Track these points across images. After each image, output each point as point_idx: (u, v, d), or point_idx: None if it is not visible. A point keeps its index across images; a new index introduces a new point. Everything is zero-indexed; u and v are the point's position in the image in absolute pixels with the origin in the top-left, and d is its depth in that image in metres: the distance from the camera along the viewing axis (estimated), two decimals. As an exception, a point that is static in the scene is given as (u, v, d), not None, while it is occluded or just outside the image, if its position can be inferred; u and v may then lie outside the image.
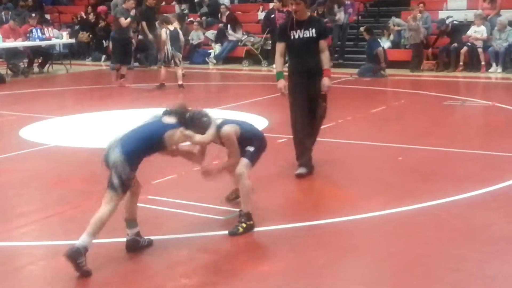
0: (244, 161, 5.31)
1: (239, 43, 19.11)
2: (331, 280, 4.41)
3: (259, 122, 9.81)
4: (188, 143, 5.01)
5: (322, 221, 5.48)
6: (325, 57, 7.03)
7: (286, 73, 7.26)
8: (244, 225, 5.17)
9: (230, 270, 4.55)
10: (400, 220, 5.57)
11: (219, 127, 5.19)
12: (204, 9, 21.25)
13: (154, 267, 4.64)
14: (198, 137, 4.90)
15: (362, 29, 16.20)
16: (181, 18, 20.92)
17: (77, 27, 21.30)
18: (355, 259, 4.77)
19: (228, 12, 19.67)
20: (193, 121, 4.91)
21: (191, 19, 20.94)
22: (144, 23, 17.98)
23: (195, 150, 5.26)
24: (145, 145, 4.78)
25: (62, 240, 5.13)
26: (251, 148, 5.35)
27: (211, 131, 5.00)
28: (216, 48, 19.25)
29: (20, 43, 17.39)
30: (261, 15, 20.23)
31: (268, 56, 18.29)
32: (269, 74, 17.04)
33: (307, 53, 7.02)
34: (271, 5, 19.03)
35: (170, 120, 4.87)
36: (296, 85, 7.12)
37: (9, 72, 17.21)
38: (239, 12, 20.83)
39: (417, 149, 8.08)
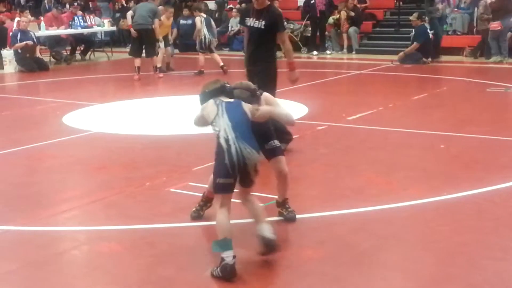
0: (283, 159, 5.26)
1: (278, 30, 19.03)
2: (370, 268, 4.39)
3: (299, 109, 9.79)
4: None
5: (362, 208, 5.46)
6: (286, 50, 7.00)
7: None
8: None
9: (268, 256, 4.55)
10: (441, 209, 5.51)
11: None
12: (244, -4, 21.23)
13: (193, 254, 4.67)
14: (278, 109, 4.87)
15: (413, 15, 15.68)
16: (220, 5, 21.00)
17: (118, 14, 21.49)
18: (395, 247, 4.74)
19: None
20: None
21: (231, 6, 20.94)
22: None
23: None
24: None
25: (104, 225, 5.22)
26: (275, 142, 5.21)
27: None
28: (256, 35, 19.20)
29: (62, 31, 17.65)
30: (300, 1, 20.12)
31: (308, 43, 18.22)
32: (309, 61, 17.00)
33: (256, 43, 6.94)
34: (311, -9, 18.92)
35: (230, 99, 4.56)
36: (247, 74, 7.08)
37: (52, 59, 17.46)
38: (279, -1, 20.74)
39: (459, 137, 7.97)
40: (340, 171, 6.65)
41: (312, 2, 17.90)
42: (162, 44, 14.70)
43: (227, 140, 4.32)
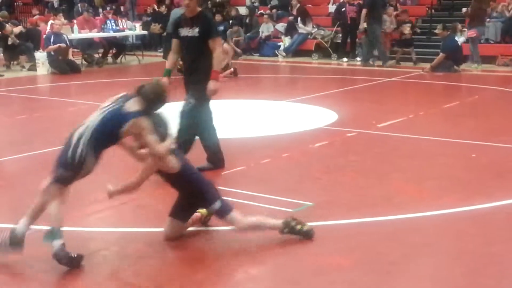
0: (228, 220, 4.82)
1: (309, 36, 19.03)
2: (400, 277, 4.35)
3: (328, 116, 9.76)
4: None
5: (392, 216, 5.41)
6: (215, 58, 6.49)
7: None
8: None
9: (298, 262, 4.54)
10: (473, 218, 5.45)
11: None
12: (275, 2, 21.27)
13: (220, 257, 4.68)
14: (156, 141, 4.56)
15: (438, 28, 15.79)
16: (251, 10, 21.06)
17: (149, 18, 21.65)
18: (426, 256, 4.69)
19: (298, 5, 19.61)
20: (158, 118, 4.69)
21: (261, 11, 20.99)
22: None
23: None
24: (101, 142, 4.54)
25: (133, 227, 5.25)
26: (216, 205, 4.80)
27: (167, 144, 4.65)
28: (286, 41, 19.23)
29: (95, 34, 17.83)
30: (331, 8, 20.10)
31: (338, 49, 18.17)
32: (339, 68, 16.96)
33: (192, 53, 6.58)
34: (342, -2, 18.90)
35: (134, 106, 4.56)
36: (184, 85, 6.78)
37: (84, 62, 17.65)
38: (310, 5, 20.73)
39: (491, 146, 7.88)
40: (370, 178, 6.61)
41: (343, 9, 17.86)
42: None
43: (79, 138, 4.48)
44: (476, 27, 15.92)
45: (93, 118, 4.58)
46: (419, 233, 5.12)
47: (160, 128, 4.69)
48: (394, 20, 17.54)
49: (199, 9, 6.65)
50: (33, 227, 4.67)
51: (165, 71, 6.77)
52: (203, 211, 5.07)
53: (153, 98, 4.67)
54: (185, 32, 6.59)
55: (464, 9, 17.46)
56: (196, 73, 6.59)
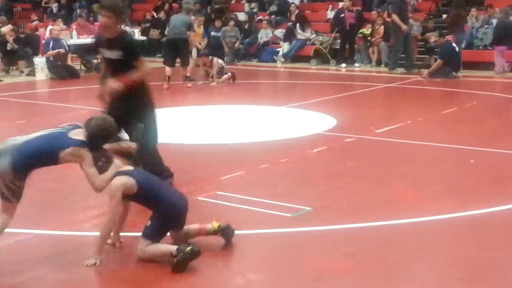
0: (141, 241, 4.65)
1: (307, 42, 19.06)
2: (400, 282, 4.35)
3: (327, 121, 9.78)
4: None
5: (391, 221, 5.42)
6: (136, 70, 6.10)
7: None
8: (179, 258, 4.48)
9: (296, 267, 4.55)
10: (471, 224, 5.46)
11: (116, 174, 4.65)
12: (274, 8, 21.28)
13: (219, 262, 4.68)
14: (94, 174, 4.56)
15: (433, 35, 15.89)
16: (250, 16, 21.10)
17: (148, 24, 21.67)
18: (424, 261, 4.70)
19: (297, 11, 19.63)
20: (100, 148, 4.67)
21: (260, 17, 21.03)
22: None
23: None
24: (37, 158, 4.56)
25: (131, 232, 5.22)
26: (148, 223, 4.67)
27: (109, 174, 4.63)
28: (285, 47, 19.25)
29: (93, 40, 17.83)
30: (330, 14, 20.13)
31: (337, 55, 18.20)
32: (337, 74, 16.97)
33: (115, 75, 6.10)
34: (340, 4, 18.90)
35: (78, 136, 4.61)
36: (110, 105, 6.23)
37: (82, 67, 17.65)
38: (308, 11, 20.75)
39: (489, 152, 7.89)
40: (368, 184, 6.62)
41: (342, 15, 17.89)
42: (194, 53, 14.86)
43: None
44: (455, 34, 16.01)
45: (32, 136, 4.65)
46: (417, 238, 5.13)
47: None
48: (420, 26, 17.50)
49: (120, 30, 6.24)
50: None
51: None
52: (214, 225, 4.92)
53: (96, 134, 4.64)
54: (107, 53, 6.18)
55: (444, 15, 17.56)
56: (126, 100, 6.09)
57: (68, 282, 4.36)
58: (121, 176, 4.63)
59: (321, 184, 6.66)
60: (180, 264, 4.44)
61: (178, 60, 14.29)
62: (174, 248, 4.52)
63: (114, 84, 5.99)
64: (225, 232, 4.89)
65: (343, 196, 6.27)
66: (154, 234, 4.65)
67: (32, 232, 5.22)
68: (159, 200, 4.70)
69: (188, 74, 14.38)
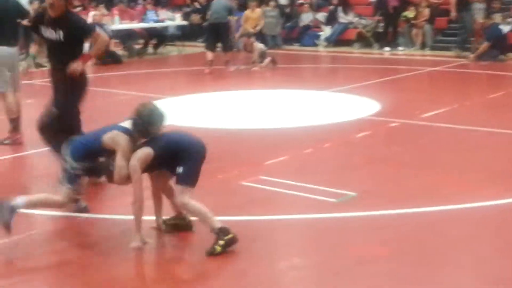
0: (178, 188, 4.62)
1: (349, 26, 18.85)
2: (441, 269, 4.27)
3: (371, 106, 9.66)
4: None
5: (434, 208, 5.32)
6: (96, 44, 5.97)
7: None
8: (222, 242, 4.44)
9: (340, 252, 4.51)
10: (515, 211, 5.33)
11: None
12: (315, -9, 21.09)
13: (263, 247, 4.66)
14: (121, 167, 4.54)
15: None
16: (291, 0, 20.93)
17: (190, 9, 21.69)
18: (467, 248, 4.60)
19: (339, -6, 19.41)
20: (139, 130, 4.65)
21: (302, 1, 20.84)
22: None
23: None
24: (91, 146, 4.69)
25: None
26: (180, 169, 4.59)
27: (137, 156, 4.55)
28: (326, 31, 19.08)
29: (135, 25, 17.94)
30: (372, -4, 19.85)
31: (380, 39, 17.97)
32: (380, 57, 16.77)
33: (55, 58, 5.94)
34: (383, -13, 18.63)
35: (127, 124, 4.67)
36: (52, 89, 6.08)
37: (124, 52, 17.77)
38: (351, -6, 20.52)
39: (538, 137, 7.70)
40: (412, 169, 6.51)
41: (384, -2, 17.62)
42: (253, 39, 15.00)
43: None
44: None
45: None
46: (461, 225, 5.03)
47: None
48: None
49: (64, 8, 5.82)
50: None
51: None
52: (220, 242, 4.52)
53: (139, 122, 4.64)
54: (47, 33, 5.87)
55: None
56: (61, 82, 5.93)
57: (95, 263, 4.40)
58: (134, 154, 4.57)
59: (365, 169, 6.59)
60: (215, 252, 4.41)
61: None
62: (215, 222, 4.49)
63: (78, 65, 5.81)
64: (226, 243, 4.50)
65: (386, 181, 6.18)
66: (187, 177, 4.58)
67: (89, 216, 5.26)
68: (180, 145, 4.67)
69: (255, 58, 14.36)
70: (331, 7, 19.53)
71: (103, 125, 4.81)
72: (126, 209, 4.74)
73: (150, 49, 18.61)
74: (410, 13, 17.71)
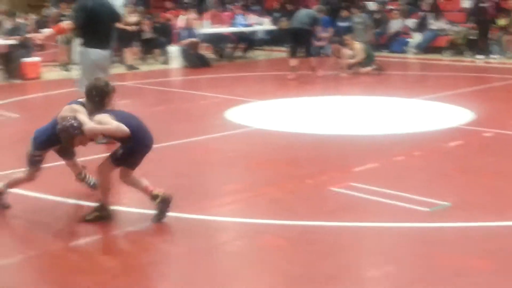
0: (106, 162, 5.10)
1: (440, 33, 18.44)
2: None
3: (463, 115, 9.41)
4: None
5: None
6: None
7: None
8: (96, 213, 5.11)
9: (436, 262, 4.39)
10: None
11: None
12: (405, -3, 20.77)
13: (352, 254, 4.61)
14: (83, 116, 4.89)
15: None
16: (380, 5, 20.69)
17: (279, 14, 21.79)
18: None
19: (430, 0, 19.04)
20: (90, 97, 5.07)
21: (391, 7, 20.57)
22: None
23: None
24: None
25: (266, 219, 5.25)
26: (120, 151, 5.02)
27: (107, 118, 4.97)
28: (416, 37, 18.74)
29: (224, 29, 18.19)
30: (464, 3, 19.35)
31: (472, 46, 17.49)
32: (471, 65, 16.34)
33: None
34: (476, -7, 18.16)
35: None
36: None
37: (214, 56, 18.03)
38: (442, 0, 20.07)
39: None
40: (508, 180, 6.30)
41: (482, 5, 17.11)
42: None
43: None
44: None
45: None
46: None
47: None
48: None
49: None
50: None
51: None
52: (158, 191, 5.12)
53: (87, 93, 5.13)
54: None
55: None
56: None
57: (204, 265, 4.44)
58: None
59: (458, 179, 6.42)
60: (162, 215, 5.03)
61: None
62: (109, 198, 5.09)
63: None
64: (162, 202, 5.06)
65: (481, 191, 6.00)
66: (121, 159, 5.00)
67: (172, 215, 5.34)
68: (128, 126, 4.91)
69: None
70: (422, 14, 19.18)
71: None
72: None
73: (238, 53, 18.81)
74: (503, 21, 17.23)
